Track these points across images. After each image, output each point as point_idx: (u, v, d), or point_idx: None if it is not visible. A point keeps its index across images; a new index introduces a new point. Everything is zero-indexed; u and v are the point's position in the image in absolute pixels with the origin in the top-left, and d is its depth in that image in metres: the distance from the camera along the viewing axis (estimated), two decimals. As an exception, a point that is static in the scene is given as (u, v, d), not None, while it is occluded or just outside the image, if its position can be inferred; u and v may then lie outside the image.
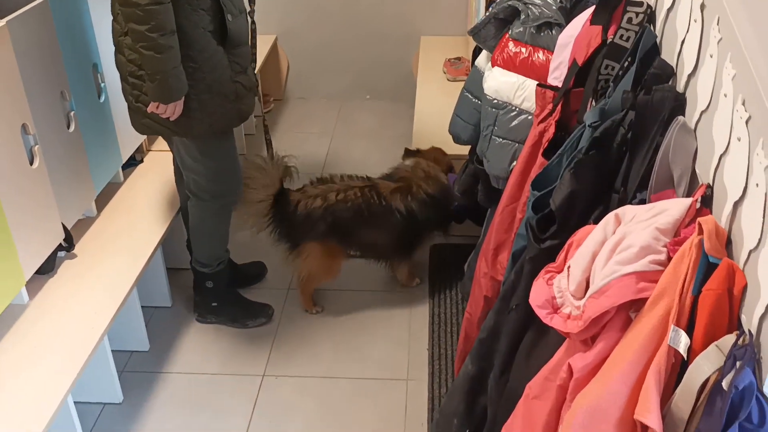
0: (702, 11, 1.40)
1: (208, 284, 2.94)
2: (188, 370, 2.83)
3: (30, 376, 2.20)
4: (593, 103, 1.78)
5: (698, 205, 1.26)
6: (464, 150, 2.77)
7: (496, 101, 2.19)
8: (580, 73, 1.85)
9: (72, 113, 2.60)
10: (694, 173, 1.38)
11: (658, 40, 1.68)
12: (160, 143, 3.28)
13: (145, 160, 3.33)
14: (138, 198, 3.07)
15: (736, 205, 1.17)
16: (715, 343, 1.08)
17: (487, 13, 2.26)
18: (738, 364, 1.02)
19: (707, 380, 1.06)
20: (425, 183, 3.01)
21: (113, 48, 2.50)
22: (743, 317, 1.11)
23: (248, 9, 2.76)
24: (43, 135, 2.41)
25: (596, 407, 1.20)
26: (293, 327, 3.03)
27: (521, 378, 1.55)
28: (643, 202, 1.43)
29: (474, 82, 2.42)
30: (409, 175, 3.03)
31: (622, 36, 1.70)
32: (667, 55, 1.61)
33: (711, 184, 1.28)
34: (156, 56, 2.29)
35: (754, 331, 1.07)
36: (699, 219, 1.18)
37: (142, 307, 2.84)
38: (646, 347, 1.16)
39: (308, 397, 2.71)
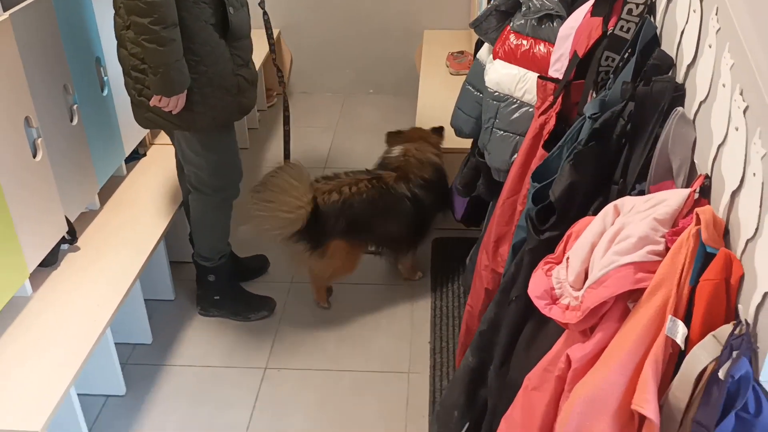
0: (701, 1, 1.40)
1: (210, 278, 2.95)
2: (191, 363, 2.84)
3: (33, 368, 2.21)
4: (594, 94, 1.78)
5: (697, 195, 1.26)
6: (466, 143, 2.77)
7: (497, 94, 2.19)
8: (580, 64, 1.85)
9: (75, 106, 2.61)
10: (693, 164, 1.38)
11: (658, 31, 1.68)
12: (163, 137, 3.28)
13: (148, 153, 3.34)
14: (141, 191, 3.08)
15: (734, 194, 1.17)
16: (713, 333, 1.08)
17: (489, 6, 2.26)
18: (735, 353, 1.02)
19: (704, 370, 1.06)
20: (420, 169, 3.04)
21: (116, 42, 2.50)
22: (740, 307, 1.11)
23: (259, 0, 2.77)
24: (46, 128, 2.42)
25: (594, 397, 1.20)
26: (295, 320, 3.04)
27: (521, 369, 1.55)
28: (642, 193, 1.43)
29: (476, 74, 2.42)
30: (403, 164, 3.04)
31: (622, 27, 1.70)
32: (667, 46, 1.61)
33: (709, 175, 1.27)
34: (159, 49, 2.29)
35: (750, 321, 1.07)
36: (696, 209, 1.18)
37: (145, 300, 2.85)
38: (644, 337, 1.17)
39: (310, 390, 2.72)
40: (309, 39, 4.80)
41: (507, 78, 2.16)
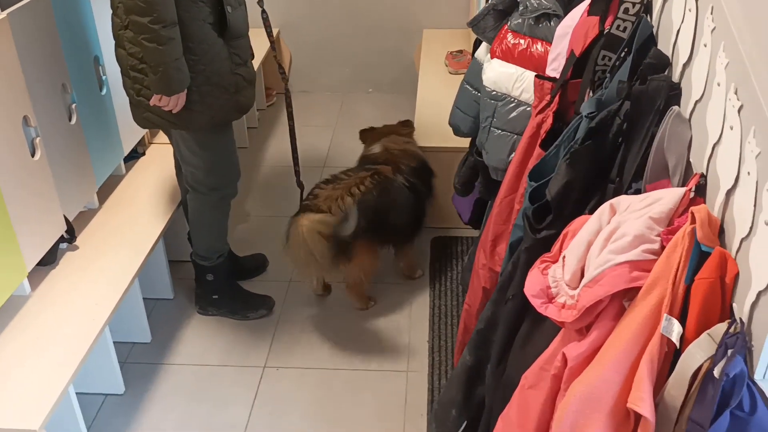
0: (696, 1, 1.40)
1: (209, 277, 2.95)
2: (190, 362, 2.85)
3: (32, 367, 2.21)
4: (590, 93, 1.78)
5: (692, 194, 1.26)
6: (464, 142, 2.77)
7: (494, 92, 2.19)
8: (577, 64, 1.85)
9: (73, 105, 2.61)
10: (688, 163, 1.38)
11: (654, 31, 1.68)
12: (162, 136, 3.28)
13: (147, 152, 3.34)
14: (140, 190, 3.08)
15: (729, 193, 1.17)
16: (708, 331, 1.08)
17: (487, 5, 2.26)
18: (729, 352, 1.03)
19: (699, 368, 1.06)
20: (405, 159, 3.14)
21: (113, 41, 2.51)
22: (735, 305, 1.11)
23: None
24: (44, 127, 2.42)
25: (590, 395, 1.20)
26: (294, 319, 3.04)
27: (517, 368, 1.56)
28: (638, 192, 1.43)
29: (473, 73, 2.42)
30: (390, 157, 3.13)
31: (618, 26, 1.70)
32: (663, 45, 1.61)
33: (704, 174, 1.28)
34: (158, 48, 2.29)
35: (745, 320, 1.07)
36: (692, 208, 1.18)
37: (143, 298, 2.86)
38: (639, 336, 1.17)
39: (309, 388, 2.72)
40: (308, 38, 4.80)
41: (504, 77, 2.16)
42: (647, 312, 1.16)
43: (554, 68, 1.97)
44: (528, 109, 2.10)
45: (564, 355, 1.31)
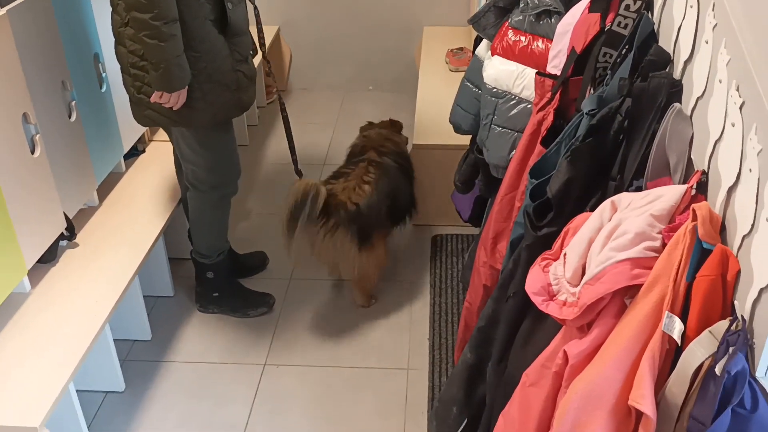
0: (698, -3, 1.40)
1: (209, 275, 2.95)
2: (190, 359, 2.85)
3: (32, 365, 2.21)
4: (592, 90, 1.78)
5: (693, 191, 1.25)
6: (464, 140, 2.76)
7: (495, 90, 2.19)
8: (578, 61, 1.85)
9: (73, 103, 2.61)
10: (690, 160, 1.38)
11: (655, 27, 1.68)
12: (162, 133, 3.28)
13: (147, 150, 3.34)
14: (140, 188, 3.08)
15: (730, 190, 1.16)
16: (709, 328, 1.08)
17: (487, 2, 2.26)
18: (731, 349, 1.03)
19: (701, 366, 1.06)
20: (390, 144, 3.22)
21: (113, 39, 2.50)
22: (736, 303, 1.11)
23: None
24: (44, 124, 2.42)
25: (591, 392, 1.20)
26: (294, 316, 3.04)
27: (518, 365, 1.55)
28: (639, 189, 1.43)
29: (474, 71, 2.42)
30: (368, 142, 3.20)
31: (620, 23, 1.69)
32: (665, 41, 1.61)
33: (706, 171, 1.27)
34: (160, 45, 2.29)
35: (746, 317, 1.07)
36: (693, 205, 1.18)
37: (144, 296, 2.86)
38: (641, 333, 1.17)
39: (309, 386, 2.72)
40: (308, 36, 4.80)
41: (505, 74, 2.16)
42: (648, 309, 1.16)
43: (555, 65, 1.96)
44: (529, 106, 2.10)
45: (565, 352, 1.31)
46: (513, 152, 2.12)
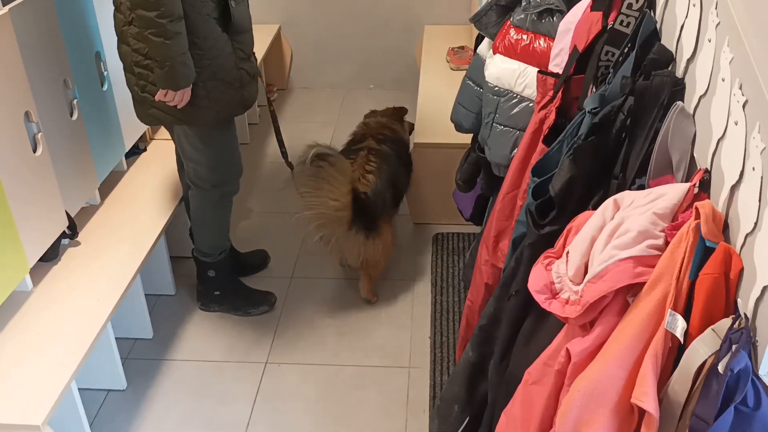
0: (701, -5, 1.40)
1: (210, 273, 2.95)
2: (192, 358, 2.85)
3: (34, 363, 2.21)
4: (594, 89, 1.78)
5: (696, 189, 1.26)
6: (466, 138, 2.76)
7: (497, 88, 2.19)
8: (580, 59, 1.85)
9: (75, 101, 2.61)
10: (692, 158, 1.38)
11: (658, 26, 1.68)
12: (164, 132, 3.29)
13: (148, 148, 3.34)
14: (141, 186, 3.08)
15: (733, 189, 1.16)
16: (712, 326, 1.08)
17: (489, 0, 2.26)
18: (734, 347, 1.03)
19: (704, 364, 1.06)
20: (387, 131, 3.28)
21: (116, 37, 2.50)
22: (739, 301, 1.11)
23: None
24: (46, 123, 2.42)
25: (594, 390, 1.20)
26: (296, 315, 3.04)
27: (521, 364, 1.56)
28: (642, 187, 1.43)
29: (476, 69, 2.42)
30: (367, 130, 3.26)
31: (622, 22, 1.69)
32: (667, 40, 1.61)
33: (709, 169, 1.27)
34: (165, 42, 2.29)
35: (749, 315, 1.07)
36: (696, 203, 1.17)
37: (145, 295, 2.86)
38: (643, 331, 1.17)
39: (311, 385, 2.72)
40: (309, 34, 4.80)
41: (507, 73, 2.16)
42: (651, 308, 1.16)
43: (557, 64, 1.96)
44: (531, 105, 2.10)
45: (567, 350, 1.31)
46: (515, 151, 2.13)
